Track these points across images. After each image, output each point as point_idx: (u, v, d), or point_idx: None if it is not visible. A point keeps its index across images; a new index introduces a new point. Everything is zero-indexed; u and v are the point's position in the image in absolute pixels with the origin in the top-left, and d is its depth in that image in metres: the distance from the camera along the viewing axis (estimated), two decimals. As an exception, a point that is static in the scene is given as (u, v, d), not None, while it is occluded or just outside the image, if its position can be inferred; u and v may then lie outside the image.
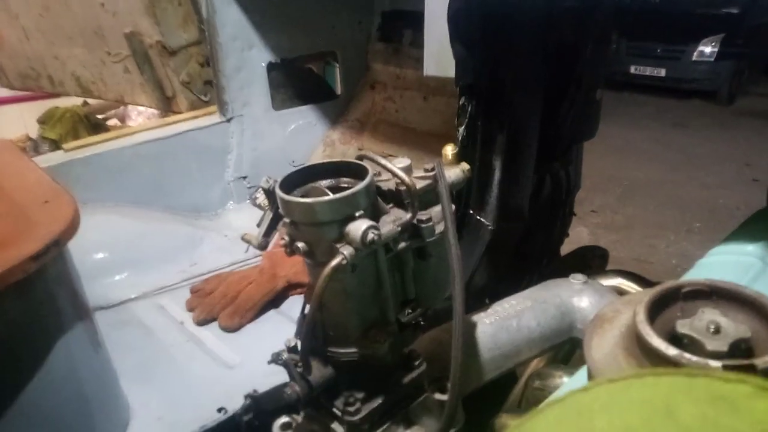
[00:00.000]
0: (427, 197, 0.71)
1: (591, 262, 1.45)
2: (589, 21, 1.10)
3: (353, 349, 0.69)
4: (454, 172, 0.75)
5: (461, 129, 1.06)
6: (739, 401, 0.25)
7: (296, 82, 2.05)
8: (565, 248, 1.49)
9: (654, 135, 5.60)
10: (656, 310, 0.51)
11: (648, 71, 6.94)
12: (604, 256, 1.49)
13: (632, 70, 7.02)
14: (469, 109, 1.04)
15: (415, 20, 1.31)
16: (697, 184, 4.43)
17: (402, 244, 0.68)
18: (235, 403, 1.03)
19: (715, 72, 6.59)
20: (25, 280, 0.76)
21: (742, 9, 6.68)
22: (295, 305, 1.38)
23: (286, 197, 0.62)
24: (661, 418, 0.25)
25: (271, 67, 1.87)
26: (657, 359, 0.46)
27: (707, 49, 6.64)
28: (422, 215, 0.68)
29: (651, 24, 6.85)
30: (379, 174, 0.70)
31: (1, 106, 3.84)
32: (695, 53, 6.68)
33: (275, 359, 0.71)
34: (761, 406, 0.24)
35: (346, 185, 0.66)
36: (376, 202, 0.66)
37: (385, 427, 0.72)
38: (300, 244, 0.64)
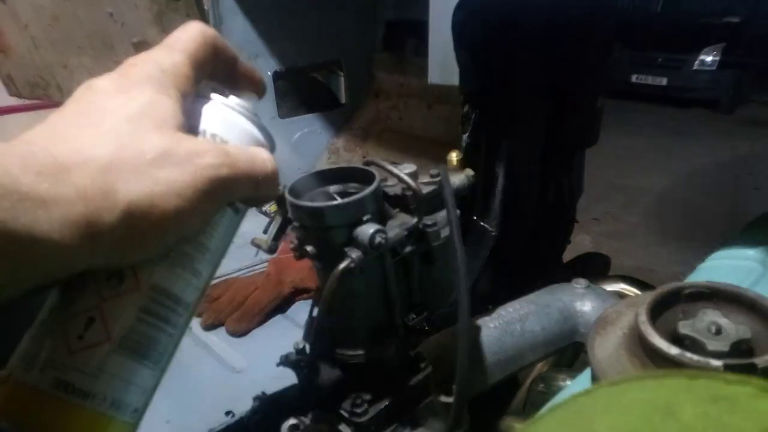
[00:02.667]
0: (433, 202, 0.72)
1: (593, 268, 1.46)
2: (592, 29, 1.11)
3: (361, 351, 0.70)
4: (459, 178, 0.77)
5: (465, 136, 1.07)
6: (741, 401, 0.25)
7: (302, 91, 2.07)
8: (567, 256, 1.50)
9: (656, 143, 5.62)
10: (658, 311, 0.52)
11: (649, 80, 6.98)
12: (606, 263, 1.50)
13: (634, 79, 7.06)
14: (474, 116, 1.05)
15: (418, 30, 1.33)
16: (699, 193, 4.44)
17: (408, 248, 0.69)
18: (243, 407, 1.04)
19: (716, 81, 6.62)
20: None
21: (743, 18, 6.73)
22: (301, 310, 1.39)
23: (296, 202, 0.63)
24: (662, 417, 0.25)
25: (276, 75, 1.89)
26: (659, 359, 0.48)
27: (708, 58, 6.67)
28: (428, 220, 0.70)
29: (652, 33, 6.90)
30: (386, 179, 0.71)
31: (10, 114, 3.87)
32: (696, 62, 6.72)
33: (284, 361, 0.72)
34: (763, 406, 0.25)
35: (353, 190, 0.68)
36: (383, 206, 0.67)
37: (392, 428, 0.73)
38: (309, 248, 0.65)
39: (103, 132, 0.35)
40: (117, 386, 0.38)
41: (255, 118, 0.47)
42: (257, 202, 0.45)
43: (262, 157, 0.42)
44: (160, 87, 0.38)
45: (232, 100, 0.46)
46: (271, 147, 0.48)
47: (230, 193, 0.40)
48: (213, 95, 0.45)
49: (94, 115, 0.36)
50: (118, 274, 0.38)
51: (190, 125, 0.41)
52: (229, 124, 0.45)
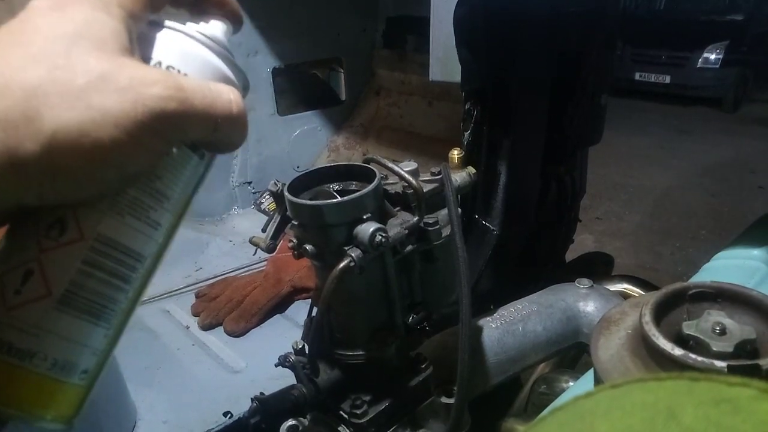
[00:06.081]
0: (434, 200, 0.71)
1: (596, 268, 1.45)
2: (595, 26, 1.10)
3: (360, 352, 0.70)
4: (461, 176, 0.76)
5: (466, 134, 1.06)
6: (742, 403, 0.25)
7: (301, 88, 2.07)
8: (570, 255, 1.49)
9: (659, 142, 5.60)
10: (662, 311, 0.51)
11: (653, 78, 6.96)
12: (609, 262, 1.49)
13: (637, 76, 7.03)
14: (475, 114, 1.04)
15: (419, 26, 1.32)
16: (703, 191, 4.42)
17: (409, 247, 0.68)
18: (241, 407, 1.04)
19: (719, 79, 6.59)
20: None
21: (747, 16, 6.71)
22: (300, 310, 1.39)
23: (295, 200, 0.62)
24: (664, 420, 0.25)
25: (276, 72, 1.89)
26: (663, 360, 0.47)
27: (712, 56, 6.65)
28: (429, 218, 0.69)
29: (656, 31, 6.88)
30: (386, 177, 0.70)
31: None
32: (700, 60, 6.69)
33: (282, 362, 0.72)
34: (764, 408, 0.24)
35: (354, 188, 0.67)
36: (383, 205, 0.67)
37: (392, 429, 0.72)
38: (308, 247, 0.64)
39: (32, 53, 0.31)
40: (60, 346, 0.35)
41: (222, 51, 0.40)
42: (218, 147, 0.40)
43: (226, 97, 0.37)
44: (101, 4, 0.34)
45: (193, 27, 0.40)
46: (243, 87, 0.42)
47: (180, 131, 0.35)
48: (168, 22, 0.39)
49: (23, 35, 0.33)
50: (60, 223, 0.34)
51: (143, 56, 0.37)
52: (188, 56, 0.39)
